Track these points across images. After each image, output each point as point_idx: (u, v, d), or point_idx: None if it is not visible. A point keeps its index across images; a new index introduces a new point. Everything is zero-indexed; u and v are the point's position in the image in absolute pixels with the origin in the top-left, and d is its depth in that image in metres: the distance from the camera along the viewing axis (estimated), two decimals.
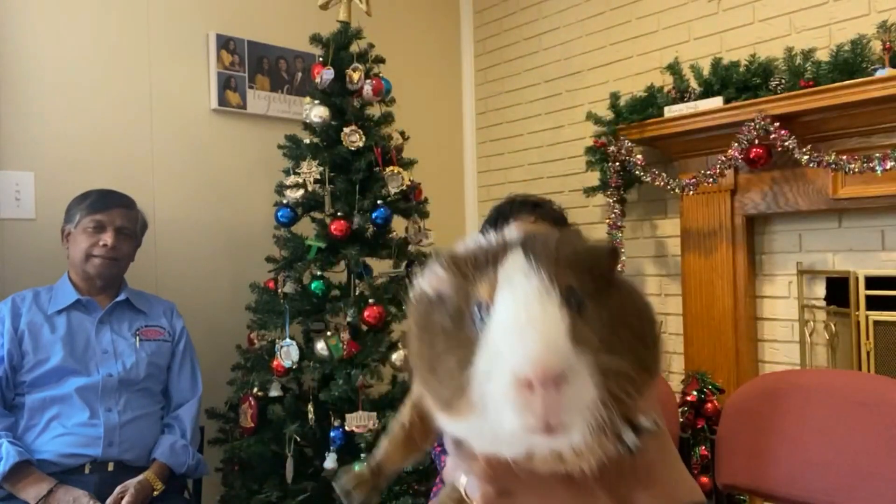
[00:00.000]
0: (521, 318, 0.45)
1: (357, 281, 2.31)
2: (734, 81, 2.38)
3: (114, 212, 2.01)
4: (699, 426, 2.26)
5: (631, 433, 0.46)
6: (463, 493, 0.58)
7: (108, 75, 2.49)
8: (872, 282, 2.20)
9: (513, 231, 0.53)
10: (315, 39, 2.39)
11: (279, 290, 2.34)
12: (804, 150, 2.14)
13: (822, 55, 2.24)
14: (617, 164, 2.62)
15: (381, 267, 2.44)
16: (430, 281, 0.53)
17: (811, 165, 2.14)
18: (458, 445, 0.56)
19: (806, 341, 2.37)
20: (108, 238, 1.97)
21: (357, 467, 0.72)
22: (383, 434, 0.69)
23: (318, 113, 2.33)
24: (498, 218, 1.80)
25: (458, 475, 0.59)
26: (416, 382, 0.55)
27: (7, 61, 2.30)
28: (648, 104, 2.58)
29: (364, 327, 2.27)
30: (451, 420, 0.50)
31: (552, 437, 0.44)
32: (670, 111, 2.49)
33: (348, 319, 2.25)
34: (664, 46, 2.77)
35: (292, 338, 2.26)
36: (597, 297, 0.47)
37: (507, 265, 0.48)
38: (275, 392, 2.28)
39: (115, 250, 1.99)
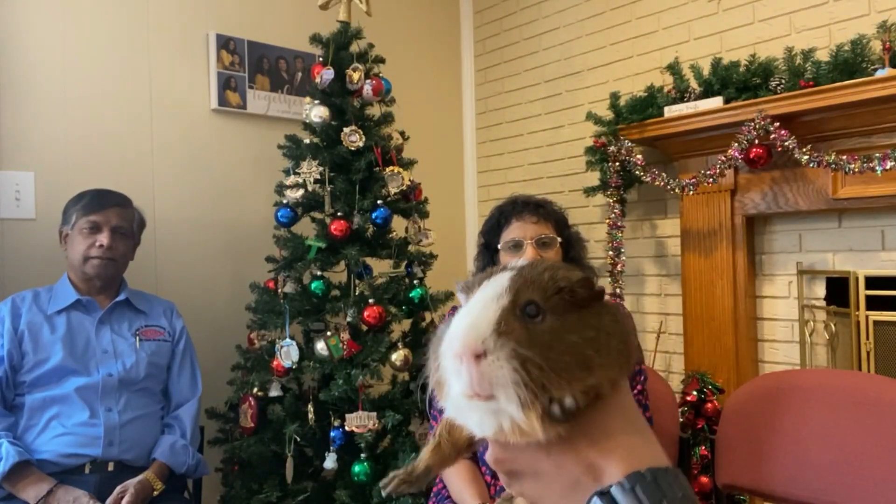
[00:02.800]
0: (464, 312, 0.60)
1: (357, 281, 2.31)
2: (734, 81, 2.38)
3: (109, 211, 2.01)
4: (699, 426, 2.27)
5: (557, 410, 0.57)
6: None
7: (108, 75, 2.49)
8: (872, 282, 2.20)
9: (520, 260, 0.67)
10: (315, 39, 2.39)
11: (279, 290, 2.34)
12: (804, 150, 2.14)
13: (822, 55, 2.24)
14: (617, 164, 2.62)
15: (381, 267, 2.44)
16: (459, 301, 0.66)
17: (811, 165, 2.14)
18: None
19: (806, 341, 2.37)
20: (104, 238, 1.97)
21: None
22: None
23: (318, 113, 2.33)
24: (500, 218, 1.80)
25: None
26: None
27: (7, 61, 2.30)
28: (648, 104, 2.58)
29: (364, 327, 2.27)
30: (442, 401, 0.63)
31: (487, 402, 0.57)
32: (670, 111, 2.49)
33: (348, 319, 2.25)
34: (664, 46, 2.77)
35: (292, 338, 2.26)
36: (560, 313, 0.60)
37: (489, 281, 0.62)
38: (275, 392, 2.28)
39: (111, 250, 1.98)
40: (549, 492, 0.61)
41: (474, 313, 0.59)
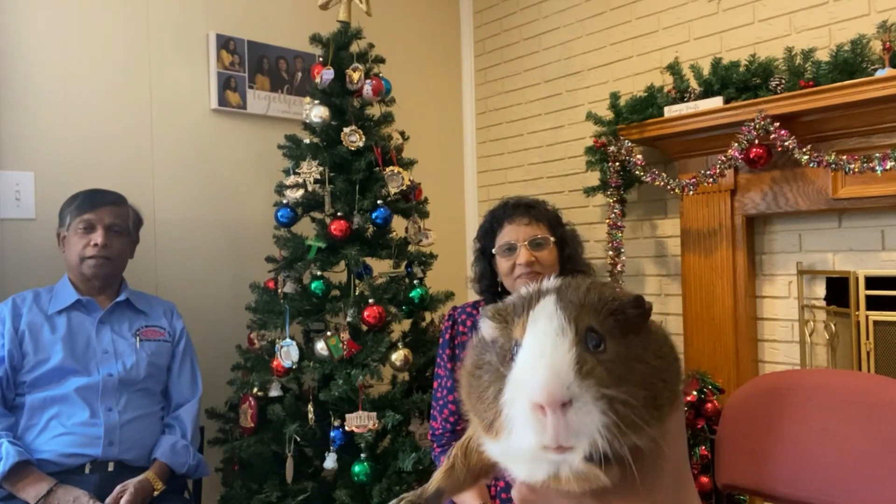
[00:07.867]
0: (536, 353, 0.54)
1: (357, 281, 2.31)
2: (734, 81, 2.38)
3: (102, 210, 2.00)
4: (699, 426, 2.27)
5: (627, 454, 0.52)
6: None
7: (108, 75, 2.49)
8: (872, 282, 2.20)
9: (551, 280, 0.62)
10: (315, 39, 2.40)
11: (279, 290, 2.34)
12: (804, 150, 2.14)
13: (822, 55, 2.24)
14: (617, 164, 2.62)
15: (381, 267, 2.44)
16: (483, 329, 0.63)
17: (811, 165, 2.14)
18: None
19: (806, 341, 2.37)
20: (98, 237, 1.96)
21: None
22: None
23: (318, 113, 2.33)
24: (492, 222, 1.80)
25: None
26: (468, 415, 0.63)
27: (7, 61, 2.30)
28: (648, 104, 2.58)
29: (364, 327, 2.27)
30: (491, 442, 0.58)
31: (563, 454, 0.52)
32: (670, 111, 2.49)
33: (348, 319, 2.25)
34: (664, 46, 2.77)
35: (292, 338, 2.26)
36: (619, 337, 0.55)
37: (536, 310, 0.57)
38: (275, 392, 2.28)
39: (106, 249, 1.98)
40: None
41: (547, 354, 0.53)
